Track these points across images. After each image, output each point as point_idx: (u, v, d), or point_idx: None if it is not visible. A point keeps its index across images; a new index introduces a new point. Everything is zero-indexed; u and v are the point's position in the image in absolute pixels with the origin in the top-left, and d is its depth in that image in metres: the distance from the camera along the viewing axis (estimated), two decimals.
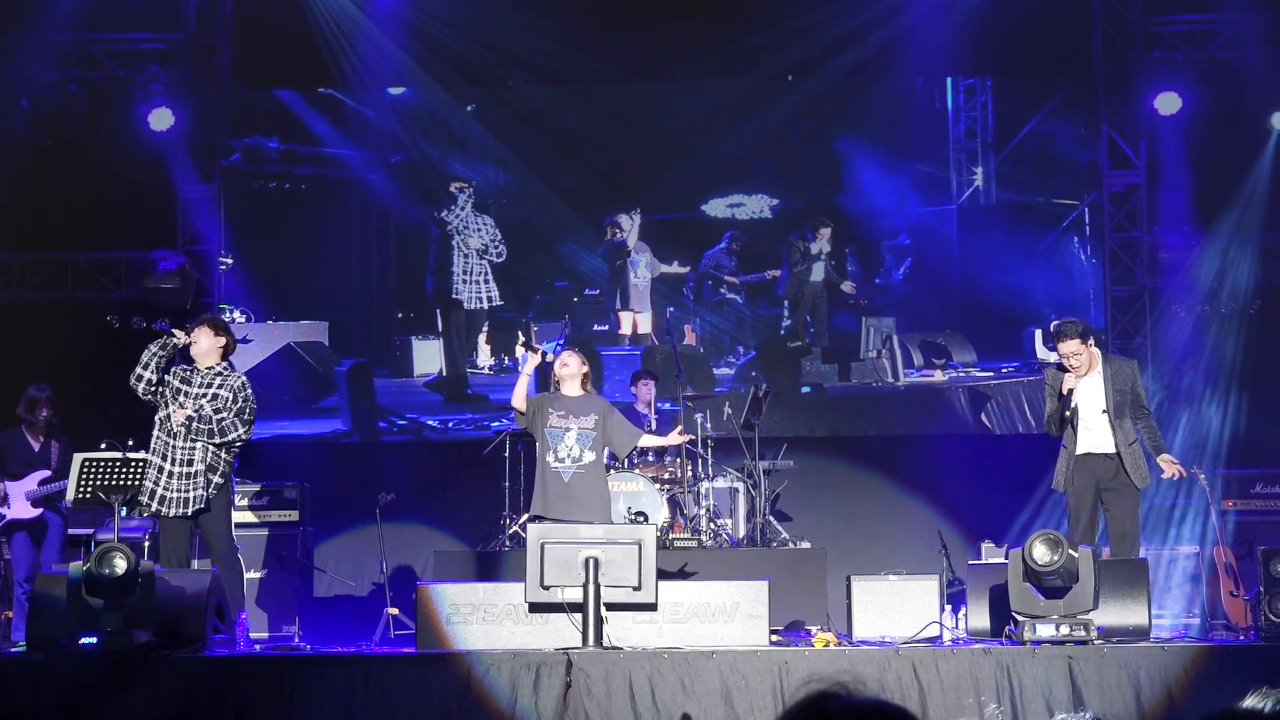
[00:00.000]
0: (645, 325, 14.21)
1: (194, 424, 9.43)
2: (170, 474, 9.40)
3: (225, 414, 9.50)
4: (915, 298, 14.31)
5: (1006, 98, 14.36)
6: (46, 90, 13.90)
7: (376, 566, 12.16)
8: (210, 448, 9.45)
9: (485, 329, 14.34)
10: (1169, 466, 9.63)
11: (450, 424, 14.21)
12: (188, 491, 9.38)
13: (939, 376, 14.16)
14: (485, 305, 14.31)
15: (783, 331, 14.32)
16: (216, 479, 9.48)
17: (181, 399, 9.50)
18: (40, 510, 11.20)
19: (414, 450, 13.99)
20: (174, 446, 9.43)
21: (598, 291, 14.35)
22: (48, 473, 11.24)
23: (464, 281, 14.29)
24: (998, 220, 14.23)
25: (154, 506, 9.42)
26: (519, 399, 9.47)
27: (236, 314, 14.01)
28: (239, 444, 9.64)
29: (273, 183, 14.34)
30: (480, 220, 14.34)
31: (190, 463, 9.41)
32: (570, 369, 9.55)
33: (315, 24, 14.01)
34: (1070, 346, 9.58)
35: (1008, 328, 14.13)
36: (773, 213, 14.39)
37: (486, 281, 14.30)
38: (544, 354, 9.52)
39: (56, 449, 11.35)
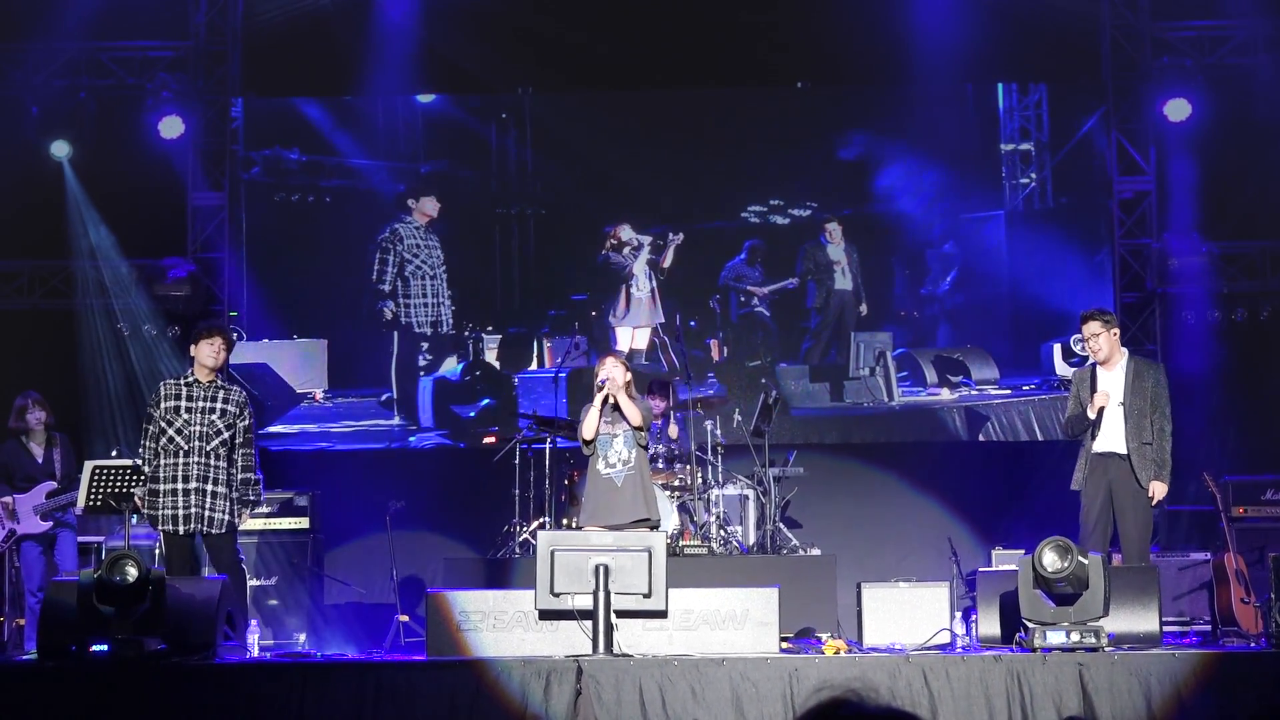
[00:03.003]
0: (643, 341, 14.10)
1: (248, 500, 9.61)
2: (186, 493, 9.39)
3: (235, 430, 9.55)
4: (963, 308, 14.14)
5: (1063, 95, 14.23)
6: (57, 98, 13.94)
7: (386, 574, 12.17)
8: (224, 466, 9.49)
9: (497, 345, 14.23)
10: (1155, 493, 9.57)
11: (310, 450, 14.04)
12: (210, 510, 9.41)
13: (946, 395, 13.98)
14: (429, 330, 14.18)
15: (805, 344, 14.23)
16: (232, 494, 9.54)
17: (185, 416, 9.50)
18: (49, 523, 11.15)
19: (423, 458, 13.99)
20: (187, 464, 9.42)
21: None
22: (54, 484, 11.18)
23: (421, 303, 14.20)
24: (1052, 225, 14.08)
25: (173, 528, 9.41)
26: (590, 430, 9.59)
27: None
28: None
29: (295, 195, 14.29)
30: (430, 239, 14.27)
31: (207, 480, 9.44)
32: (617, 381, 9.60)
33: (327, 30, 14.02)
34: (1091, 328, 9.61)
35: (1059, 339, 13.90)
36: (803, 220, 14.24)
37: (440, 304, 14.21)
38: (608, 390, 9.56)
39: (59, 456, 11.27)
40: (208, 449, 9.44)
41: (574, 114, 14.44)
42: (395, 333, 14.16)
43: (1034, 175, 14.17)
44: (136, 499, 9.57)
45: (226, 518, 9.46)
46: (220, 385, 9.62)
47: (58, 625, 8.48)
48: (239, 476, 9.55)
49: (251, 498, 9.61)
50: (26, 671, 8.33)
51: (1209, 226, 13.72)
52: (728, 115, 14.33)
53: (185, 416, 9.45)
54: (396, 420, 14.10)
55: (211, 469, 9.44)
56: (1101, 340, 9.63)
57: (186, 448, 9.42)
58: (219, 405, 9.52)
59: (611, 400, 9.52)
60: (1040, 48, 14.00)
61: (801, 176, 14.27)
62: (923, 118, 14.25)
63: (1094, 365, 9.79)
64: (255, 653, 9.09)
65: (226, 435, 9.50)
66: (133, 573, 8.18)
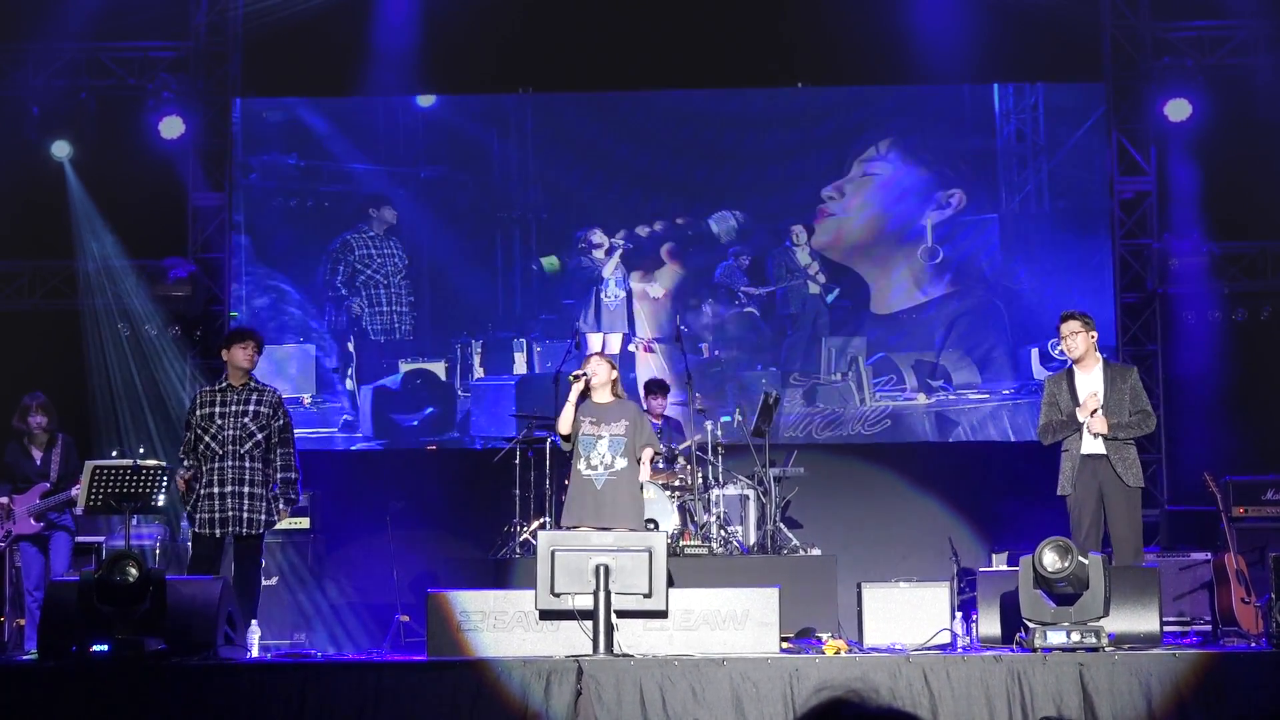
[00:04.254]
0: (614, 346, 14.05)
1: (289, 495, 9.68)
2: (223, 496, 9.50)
3: (270, 430, 9.62)
4: (959, 312, 14.08)
5: (1061, 96, 14.17)
6: (57, 98, 13.94)
7: (387, 574, 12.17)
8: (260, 467, 9.56)
9: (480, 350, 14.22)
10: (1096, 424, 9.51)
11: None
12: (247, 512, 9.53)
13: (921, 400, 13.96)
14: (383, 339, 14.18)
15: (784, 352, 14.19)
16: (270, 497, 9.67)
17: (219, 421, 9.57)
18: (42, 524, 11.12)
19: (424, 458, 13.98)
20: (222, 468, 9.53)
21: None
22: (48, 485, 11.16)
23: (374, 311, 14.19)
24: (1049, 227, 14.03)
25: (208, 532, 9.52)
26: (565, 425, 9.52)
27: None
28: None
29: (293, 200, 14.27)
30: (386, 246, 14.25)
31: (242, 482, 9.55)
32: (600, 377, 9.59)
33: (327, 32, 14.00)
34: (1071, 326, 9.63)
35: (1037, 344, 13.87)
36: (797, 222, 14.23)
37: (396, 312, 14.20)
38: (586, 380, 9.55)
39: (57, 458, 11.23)
40: (241, 451, 9.57)
41: (573, 115, 14.41)
42: (352, 338, 14.16)
43: (1031, 177, 14.14)
44: (181, 478, 9.62)
45: (262, 517, 9.58)
46: (254, 388, 9.77)
47: (58, 625, 8.48)
48: (278, 476, 9.67)
49: (291, 495, 9.73)
50: (27, 671, 8.32)
51: (1210, 227, 13.72)
52: (724, 116, 14.30)
53: (219, 422, 9.60)
54: (355, 431, 14.11)
55: (247, 470, 9.56)
56: (1079, 339, 9.64)
57: (221, 452, 9.56)
58: (251, 408, 9.65)
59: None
60: (1039, 48, 13.99)
61: (798, 177, 14.24)
62: (919, 119, 14.23)
63: (1069, 370, 9.77)
64: (255, 652, 9.09)
65: (260, 437, 9.63)
66: (133, 573, 8.19)
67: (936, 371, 13.97)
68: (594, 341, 13.92)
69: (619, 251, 14.11)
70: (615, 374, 9.72)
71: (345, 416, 14.10)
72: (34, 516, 11.00)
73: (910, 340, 14.07)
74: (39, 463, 11.21)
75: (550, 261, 14.05)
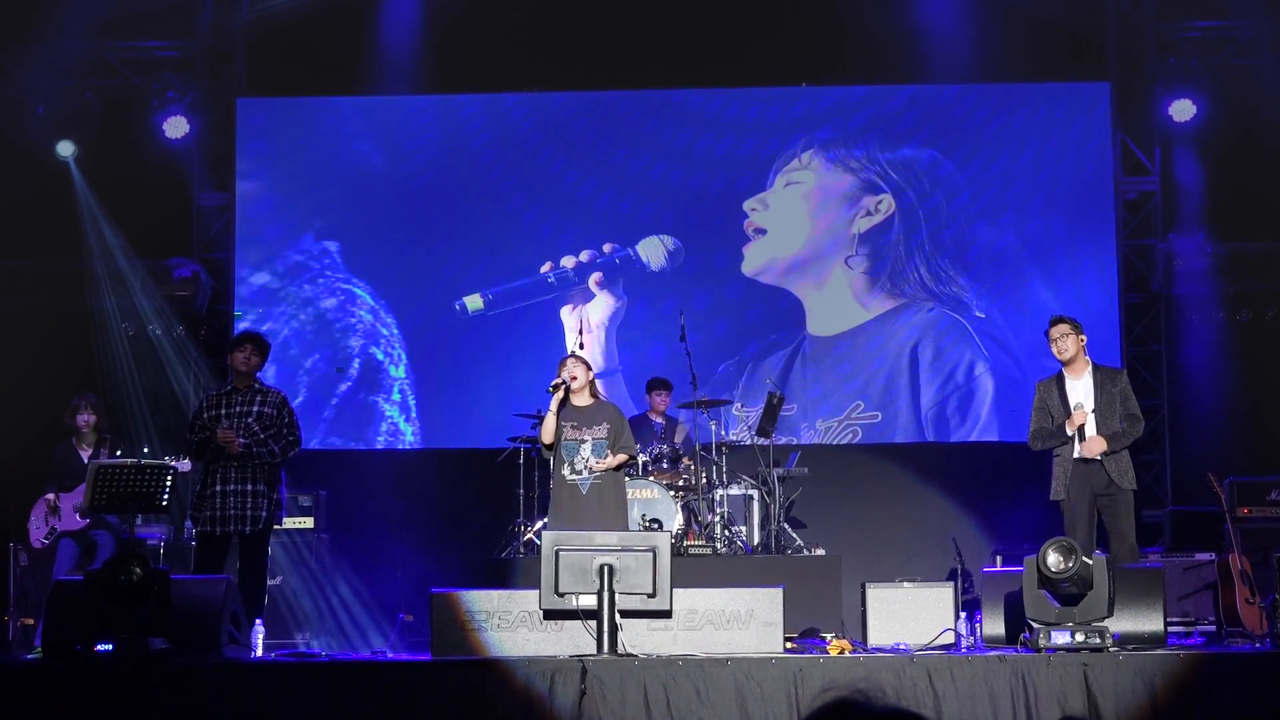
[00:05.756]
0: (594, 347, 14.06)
1: (253, 449, 9.58)
2: (225, 494, 9.55)
3: (275, 429, 9.67)
4: (931, 320, 14.01)
5: (1067, 96, 14.12)
6: (63, 98, 13.96)
7: (391, 573, 12.18)
8: (264, 467, 9.59)
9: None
10: (1092, 446, 9.52)
11: None
12: (249, 510, 9.54)
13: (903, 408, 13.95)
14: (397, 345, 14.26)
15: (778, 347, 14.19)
16: (275, 496, 9.71)
17: (225, 423, 9.63)
18: (88, 521, 11.13)
19: (428, 458, 13.98)
20: (225, 467, 9.58)
21: None
22: None
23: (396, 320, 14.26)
24: (1054, 227, 13.98)
25: (210, 529, 9.56)
26: (548, 435, 9.52)
27: None
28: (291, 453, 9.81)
29: (297, 201, 14.25)
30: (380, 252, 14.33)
31: (245, 480, 9.58)
32: (579, 380, 9.59)
33: (331, 33, 14.00)
34: (1061, 329, 9.66)
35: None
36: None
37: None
38: (566, 387, 9.55)
39: (105, 457, 11.27)
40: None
41: (582, 114, 14.38)
42: (382, 342, 14.18)
43: (1037, 177, 14.09)
44: (222, 432, 9.59)
45: (265, 514, 9.60)
46: (257, 390, 9.85)
47: (63, 624, 8.49)
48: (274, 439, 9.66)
49: (256, 447, 9.58)
50: (31, 670, 8.32)
51: (1214, 227, 13.71)
52: (726, 115, 14.26)
53: (224, 423, 9.67)
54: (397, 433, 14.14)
55: (249, 469, 9.60)
56: (1069, 341, 9.65)
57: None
58: (255, 409, 9.73)
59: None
60: (1044, 48, 14.00)
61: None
62: (924, 119, 14.21)
63: (1059, 375, 9.76)
64: (260, 652, 9.09)
65: (263, 436, 9.66)
66: (138, 572, 8.19)
67: (902, 382, 13.90)
68: (587, 341, 13.93)
69: (590, 271, 14.05)
70: (591, 375, 9.73)
71: (387, 422, 14.11)
72: (81, 513, 11.01)
73: (886, 351, 13.99)
74: (86, 460, 11.24)
75: (474, 301, 13.97)
